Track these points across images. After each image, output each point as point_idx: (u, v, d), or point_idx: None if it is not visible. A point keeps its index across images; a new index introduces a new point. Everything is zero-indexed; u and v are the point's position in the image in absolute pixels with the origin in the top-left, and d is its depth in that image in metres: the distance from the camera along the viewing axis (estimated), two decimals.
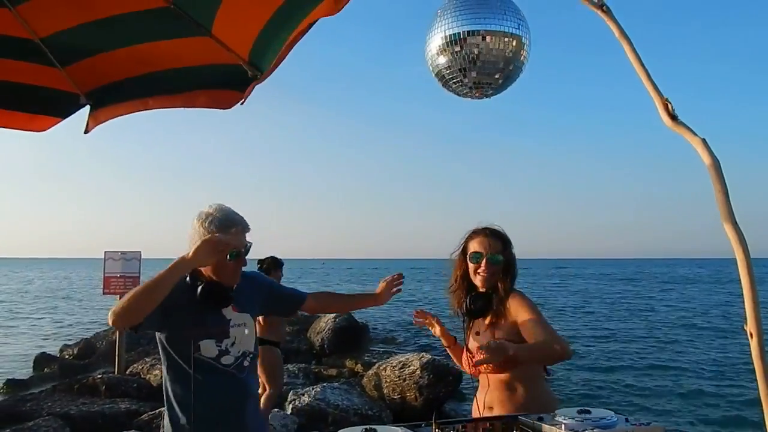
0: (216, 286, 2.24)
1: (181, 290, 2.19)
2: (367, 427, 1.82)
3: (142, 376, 9.34)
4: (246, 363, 2.34)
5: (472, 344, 2.47)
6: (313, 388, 7.80)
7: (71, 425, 6.46)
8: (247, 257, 2.31)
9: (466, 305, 2.45)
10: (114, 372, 9.36)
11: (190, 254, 2.03)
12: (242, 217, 2.27)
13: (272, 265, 6.18)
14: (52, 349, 14.21)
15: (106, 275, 9.30)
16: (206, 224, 2.17)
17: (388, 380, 8.21)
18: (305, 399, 7.26)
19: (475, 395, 2.52)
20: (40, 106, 2.03)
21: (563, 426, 1.86)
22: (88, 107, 2.02)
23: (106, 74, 1.87)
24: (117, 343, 9.49)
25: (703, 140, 1.60)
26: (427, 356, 8.47)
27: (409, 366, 8.17)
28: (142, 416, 6.93)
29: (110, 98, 1.96)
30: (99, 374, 9.18)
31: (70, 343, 14.61)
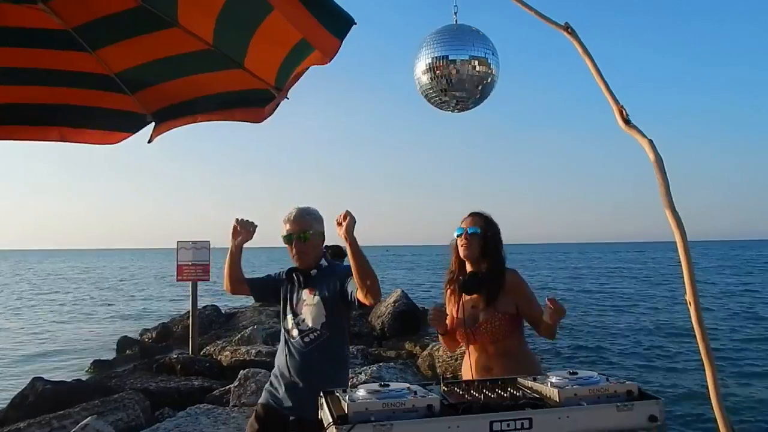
0: (294, 269, 2.93)
1: (283, 279, 2.99)
2: (382, 383, 2.18)
3: (213, 356, 9.89)
4: (308, 339, 2.85)
5: (467, 316, 2.80)
6: (370, 368, 8.25)
7: (151, 399, 7.01)
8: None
9: (460, 282, 2.80)
10: (188, 353, 10.06)
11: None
12: (298, 211, 2.95)
13: (334, 254, 6.45)
14: (133, 332, 15.30)
15: (179, 263, 9.88)
16: (288, 215, 2.97)
17: (441, 360, 8.58)
18: (362, 377, 7.71)
19: (468, 361, 2.89)
20: (116, 125, 2.53)
21: (549, 383, 2.17)
22: (152, 123, 2.52)
23: (165, 99, 2.34)
24: (191, 327, 10.19)
25: (650, 141, 1.87)
26: None
27: (461, 347, 8.49)
28: (214, 392, 7.45)
29: (168, 116, 2.43)
30: (175, 355, 9.80)
31: (149, 327, 15.64)
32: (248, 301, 19.03)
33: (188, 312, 13.88)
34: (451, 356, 8.48)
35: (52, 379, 7.82)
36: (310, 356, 2.84)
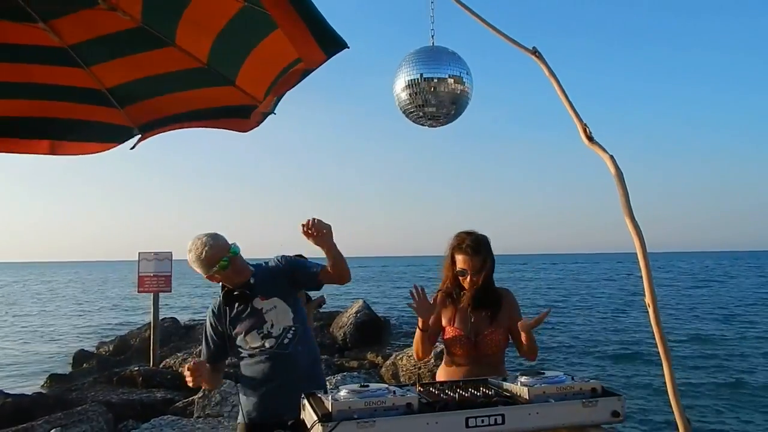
0: (233, 288, 2.78)
1: (219, 313, 2.80)
2: (362, 384, 2.30)
3: (174, 368, 9.88)
4: (287, 339, 2.76)
5: (466, 328, 2.93)
6: (334, 377, 8.33)
7: (114, 411, 6.97)
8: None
9: (473, 296, 2.91)
10: (148, 365, 9.98)
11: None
12: (207, 238, 2.68)
13: None
14: (89, 346, 14.96)
15: (140, 275, 9.80)
16: (201, 256, 2.66)
17: (405, 369, 8.71)
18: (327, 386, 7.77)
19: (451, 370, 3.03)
20: (104, 137, 2.57)
21: (519, 383, 2.33)
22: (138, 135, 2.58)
23: (153, 112, 2.41)
24: (151, 339, 10.08)
25: (611, 156, 2.04)
26: (440, 346, 8.88)
27: (427, 360, 8.65)
28: (177, 404, 7.45)
29: (155, 127, 2.50)
30: (135, 367, 9.73)
31: (106, 340, 15.34)
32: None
33: (146, 324, 13.73)
34: (414, 365, 8.62)
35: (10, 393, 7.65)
36: (294, 354, 2.77)
